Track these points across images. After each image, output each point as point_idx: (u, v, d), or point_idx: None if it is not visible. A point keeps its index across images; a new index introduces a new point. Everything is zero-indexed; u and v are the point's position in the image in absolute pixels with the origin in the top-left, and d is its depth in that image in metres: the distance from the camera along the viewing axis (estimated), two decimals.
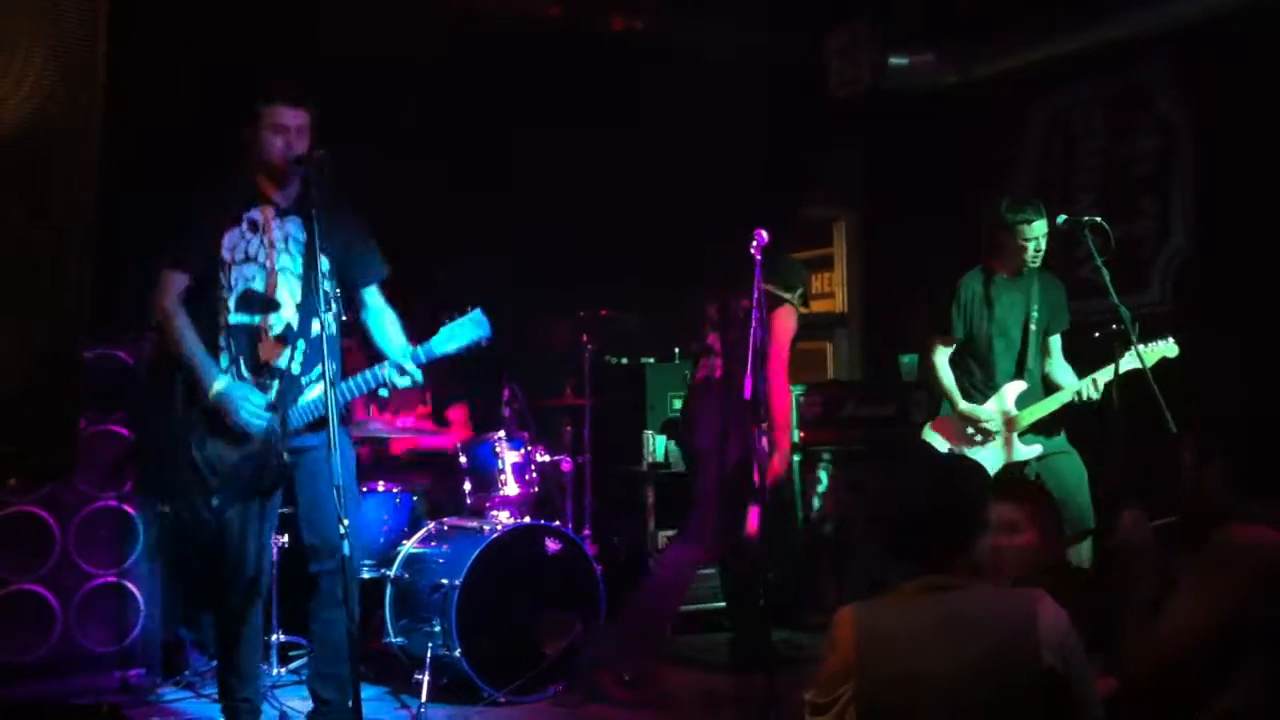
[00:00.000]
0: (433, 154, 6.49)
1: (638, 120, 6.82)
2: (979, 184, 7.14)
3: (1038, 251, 5.12)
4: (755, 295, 4.54)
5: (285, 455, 3.90)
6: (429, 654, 4.88)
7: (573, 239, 6.84)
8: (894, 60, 7.12)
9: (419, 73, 6.35)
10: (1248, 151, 6.03)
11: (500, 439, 5.62)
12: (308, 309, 3.93)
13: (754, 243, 4.62)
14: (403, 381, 3.91)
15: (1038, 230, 5.10)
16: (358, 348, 4.72)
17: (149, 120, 5.38)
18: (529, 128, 6.68)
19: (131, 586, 5.12)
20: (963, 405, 5.24)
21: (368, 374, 3.90)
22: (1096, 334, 5.20)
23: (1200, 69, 6.32)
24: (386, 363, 3.91)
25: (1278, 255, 5.75)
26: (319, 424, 3.83)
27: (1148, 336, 4.96)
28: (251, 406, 3.84)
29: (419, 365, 3.90)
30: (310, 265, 3.92)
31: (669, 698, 5.03)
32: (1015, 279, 5.24)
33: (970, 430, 5.24)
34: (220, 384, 3.83)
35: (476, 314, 3.92)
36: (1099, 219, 4.85)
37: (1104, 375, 4.93)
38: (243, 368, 3.91)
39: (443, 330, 3.91)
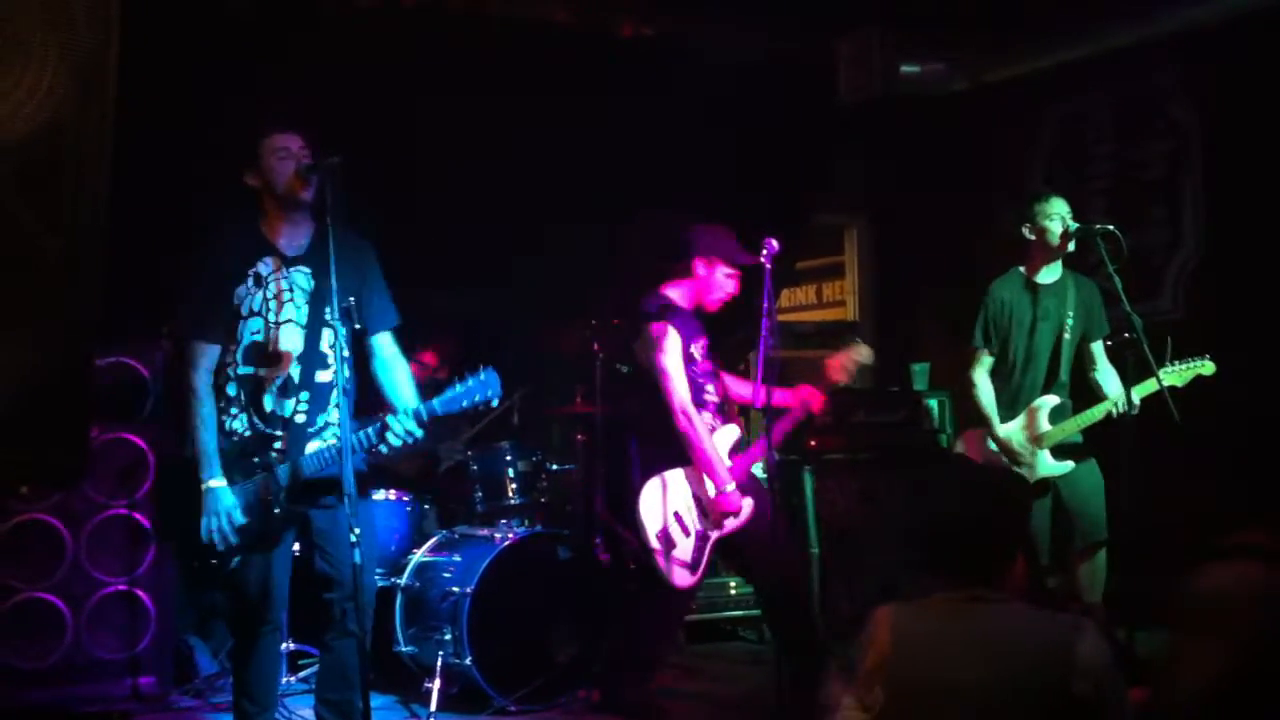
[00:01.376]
0: (439, 157, 6.49)
1: (646, 125, 6.81)
2: (990, 190, 7.13)
3: (1065, 227, 4.98)
4: (765, 305, 4.51)
5: (287, 507, 3.85)
6: (439, 662, 4.88)
7: (581, 245, 6.83)
8: (905, 67, 7.11)
9: (424, 76, 6.36)
10: (1258, 156, 6.00)
11: (510, 447, 5.62)
12: (311, 360, 3.90)
13: (764, 251, 4.58)
14: (400, 440, 3.81)
15: (1059, 207, 5.02)
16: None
17: (168, 127, 5.40)
18: (537, 132, 6.68)
19: (142, 594, 5.12)
20: (1001, 432, 5.09)
21: (368, 430, 3.82)
22: (1109, 343, 5.18)
23: (1209, 74, 6.31)
24: (387, 418, 3.82)
25: None
26: (329, 485, 3.77)
27: (1183, 354, 4.88)
28: (225, 523, 3.76)
29: (421, 423, 3.81)
30: (323, 300, 3.86)
31: (678, 707, 5.01)
32: (1050, 286, 5.12)
33: (1002, 457, 5.08)
34: (213, 482, 3.78)
35: (488, 374, 3.84)
36: (1112, 227, 4.81)
37: (1141, 390, 4.76)
38: (253, 416, 3.89)
39: (449, 390, 3.84)
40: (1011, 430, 5.09)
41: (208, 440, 3.82)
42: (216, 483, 3.79)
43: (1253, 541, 2.57)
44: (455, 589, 4.94)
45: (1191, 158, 6.48)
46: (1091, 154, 6.95)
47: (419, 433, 3.82)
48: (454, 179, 6.51)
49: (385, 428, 3.79)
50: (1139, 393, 4.76)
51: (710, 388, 4.85)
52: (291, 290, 3.90)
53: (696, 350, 4.83)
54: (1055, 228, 5.00)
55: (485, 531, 5.31)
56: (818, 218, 8.19)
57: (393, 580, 5.30)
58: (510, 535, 5.12)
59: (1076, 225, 4.99)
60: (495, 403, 3.88)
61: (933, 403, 6.60)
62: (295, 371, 3.89)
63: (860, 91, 7.12)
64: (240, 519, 3.79)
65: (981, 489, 2.54)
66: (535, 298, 6.77)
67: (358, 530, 3.46)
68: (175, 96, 5.52)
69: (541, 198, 6.67)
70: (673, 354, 4.71)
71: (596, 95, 6.71)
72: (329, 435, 3.90)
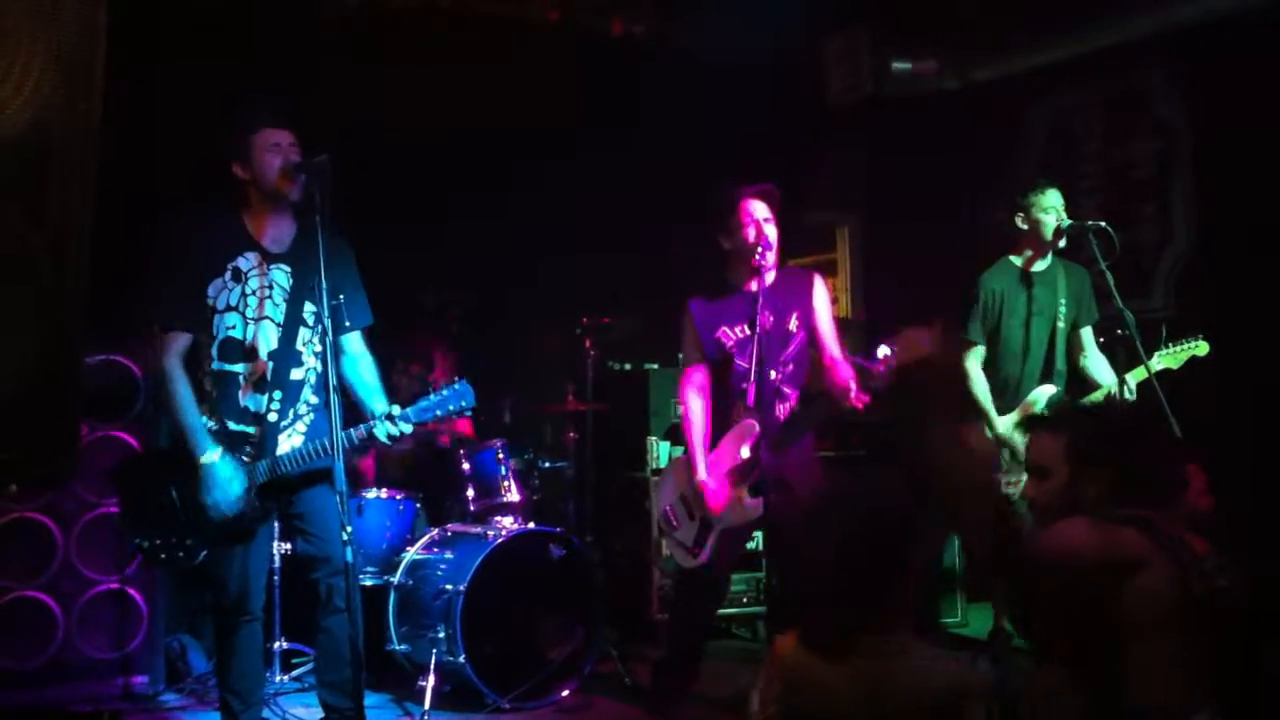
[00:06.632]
0: (432, 155, 6.49)
1: (638, 124, 6.81)
2: (981, 188, 7.13)
3: (1059, 221, 4.99)
4: (761, 300, 4.51)
5: (262, 503, 3.88)
6: (433, 660, 4.86)
7: (573, 242, 6.83)
8: (895, 65, 7.12)
9: (418, 75, 6.35)
10: (1246, 154, 6.01)
11: (503, 445, 5.61)
12: (285, 357, 3.91)
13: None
14: (387, 434, 3.85)
15: (1053, 199, 5.03)
16: None
17: (158, 125, 5.38)
18: (528, 130, 6.68)
19: (133, 593, 5.11)
20: (999, 425, 5.07)
21: (350, 432, 3.80)
22: (1101, 339, 5.19)
23: (1199, 72, 6.32)
24: (373, 426, 3.86)
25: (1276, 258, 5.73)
26: (309, 479, 3.89)
27: (1175, 337, 4.88)
28: (228, 495, 3.79)
29: (397, 424, 3.86)
30: (300, 298, 3.89)
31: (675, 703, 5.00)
32: (1041, 274, 5.12)
33: (1005, 453, 5.05)
34: (209, 456, 3.79)
35: (463, 385, 3.91)
36: (1103, 224, 4.82)
37: (1135, 377, 4.74)
38: (224, 414, 3.90)
39: (423, 400, 3.89)
40: (1009, 423, 5.08)
41: (194, 417, 3.83)
42: (213, 456, 3.80)
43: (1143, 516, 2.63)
44: (448, 587, 4.93)
45: (1180, 156, 6.49)
46: (1081, 152, 6.96)
47: (408, 429, 3.87)
48: (443, 177, 6.52)
49: (370, 434, 3.85)
50: (1134, 378, 4.75)
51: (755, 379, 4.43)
52: (271, 288, 3.92)
53: (729, 334, 4.66)
54: (1050, 221, 5.01)
55: (478, 529, 5.30)
56: (810, 215, 8.20)
57: (385, 578, 5.29)
58: (503, 533, 5.11)
59: (1069, 221, 5.01)
60: (469, 412, 3.99)
61: None
62: (269, 369, 3.90)
63: (851, 90, 7.13)
64: (239, 489, 3.80)
65: (851, 528, 2.39)
66: (529, 294, 6.77)
67: (349, 529, 3.47)
68: (170, 91, 5.52)
69: (533, 196, 6.68)
70: (687, 345, 4.78)
71: (585, 94, 6.71)
72: (298, 431, 3.94)
